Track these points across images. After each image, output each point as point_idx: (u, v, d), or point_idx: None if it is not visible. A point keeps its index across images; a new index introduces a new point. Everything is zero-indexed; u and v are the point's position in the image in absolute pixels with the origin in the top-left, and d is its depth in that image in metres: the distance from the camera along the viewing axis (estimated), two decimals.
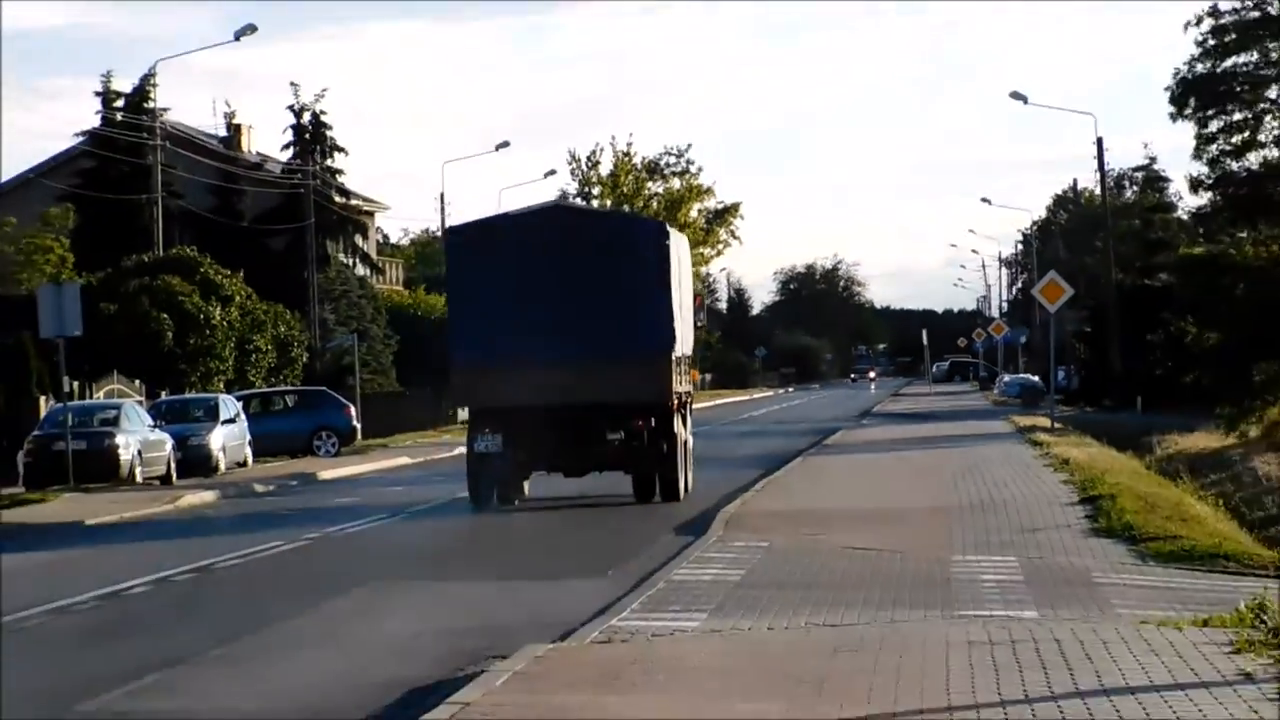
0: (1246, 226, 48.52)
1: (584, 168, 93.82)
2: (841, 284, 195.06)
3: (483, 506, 30.77)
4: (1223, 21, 44.57)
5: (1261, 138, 44.51)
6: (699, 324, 50.79)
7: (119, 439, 40.13)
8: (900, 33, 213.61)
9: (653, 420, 29.99)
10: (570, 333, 30.13)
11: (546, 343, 29.82)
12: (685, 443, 31.52)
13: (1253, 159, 44.68)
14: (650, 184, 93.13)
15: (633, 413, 30.11)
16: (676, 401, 30.93)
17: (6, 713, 11.04)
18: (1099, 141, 72.87)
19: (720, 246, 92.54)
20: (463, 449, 35.28)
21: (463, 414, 48.22)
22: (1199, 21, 44.63)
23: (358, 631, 17.99)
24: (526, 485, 32.31)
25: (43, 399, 42.65)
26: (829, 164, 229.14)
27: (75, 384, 42.00)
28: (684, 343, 32.58)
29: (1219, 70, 44.61)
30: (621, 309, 31.23)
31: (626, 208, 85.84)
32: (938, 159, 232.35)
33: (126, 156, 59.20)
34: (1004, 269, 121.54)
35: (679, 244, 34.46)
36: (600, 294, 30.84)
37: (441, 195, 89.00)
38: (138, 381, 48.63)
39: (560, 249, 31.38)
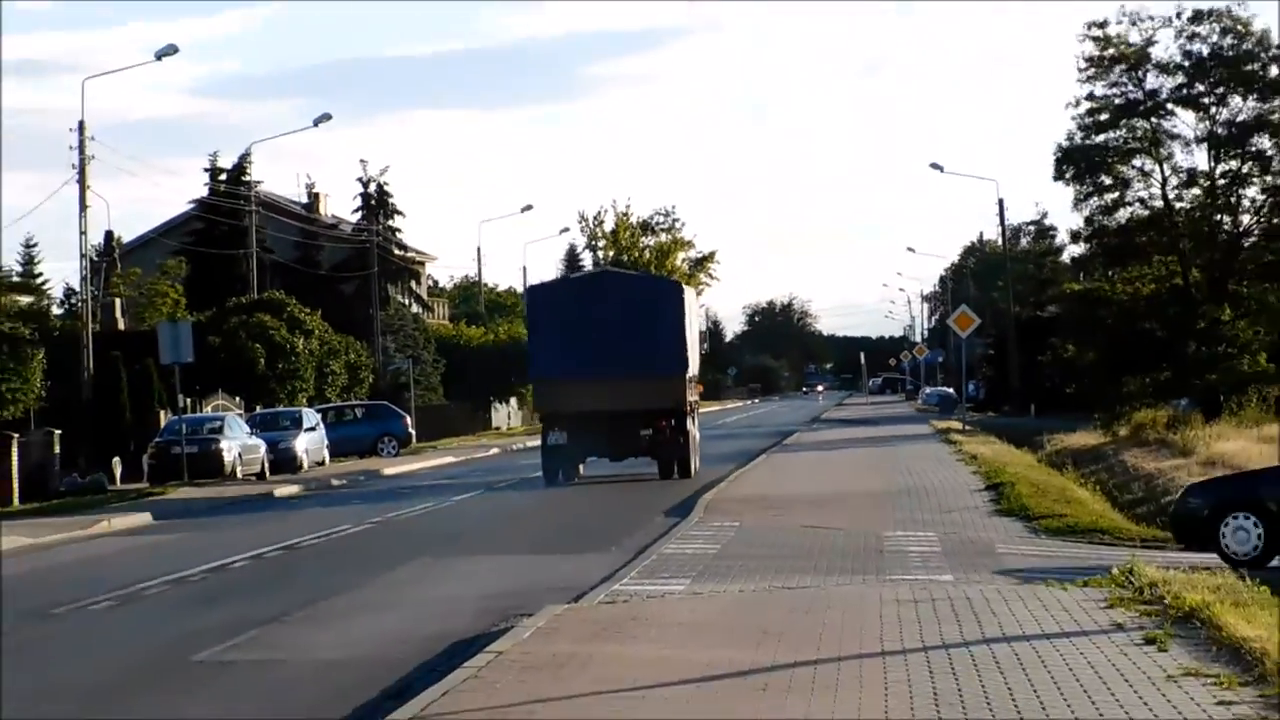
0: (1116, 268, 50.50)
1: (591, 225, 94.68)
2: (796, 316, 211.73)
3: (552, 482, 35.38)
4: (1097, 104, 43.94)
5: (1128, 198, 44.89)
6: (703, 350, 53.12)
7: (223, 444, 41.83)
8: (850, 114, 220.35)
9: (672, 421, 34.53)
10: (613, 360, 34.36)
11: (596, 368, 34.42)
12: (695, 437, 36.30)
13: (1121, 215, 48.55)
14: (644, 238, 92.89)
15: (658, 416, 34.42)
16: (689, 408, 35.89)
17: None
18: (1000, 202, 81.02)
19: (701, 287, 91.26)
20: (496, 450, 40.67)
21: (496, 419, 50.37)
22: (1078, 104, 45.70)
23: (413, 595, 18.23)
24: (582, 467, 36.86)
25: (162, 413, 45.26)
26: (787, 217, 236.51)
27: (188, 400, 44.99)
28: (694, 366, 37.69)
29: (1093, 143, 47.43)
30: (649, 343, 35.33)
31: (625, 258, 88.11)
32: (874, 214, 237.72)
33: (228, 220, 63.97)
34: (925, 303, 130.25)
35: (690, 295, 40.41)
36: (634, 332, 35.08)
37: (479, 249, 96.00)
38: (237, 398, 51.84)
39: (605, 301, 35.93)
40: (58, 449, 40.34)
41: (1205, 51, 44.79)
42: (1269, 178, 45.81)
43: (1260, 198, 46.11)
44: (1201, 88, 45.18)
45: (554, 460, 35.15)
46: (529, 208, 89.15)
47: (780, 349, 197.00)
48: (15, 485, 36.01)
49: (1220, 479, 24.18)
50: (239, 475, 41.45)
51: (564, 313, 35.73)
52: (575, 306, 35.84)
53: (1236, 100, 45.01)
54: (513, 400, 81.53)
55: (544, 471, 35.56)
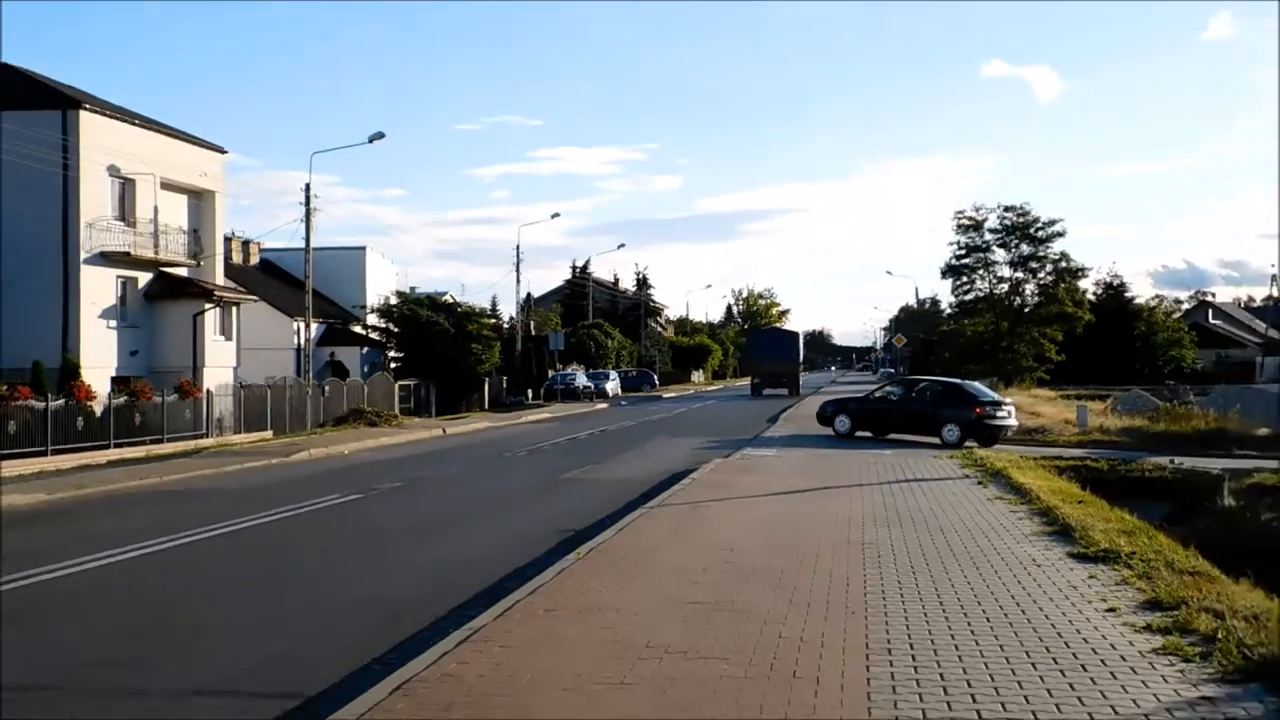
0: (965, 319, 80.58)
1: (738, 300, 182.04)
2: (825, 336, 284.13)
3: (755, 395, 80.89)
4: (961, 246, 78.38)
5: (973, 288, 79.06)
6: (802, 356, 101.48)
7: (576, 383, 77.09)
8: (851, 238, 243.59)
9: (794, 376, 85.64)
10: (777, 357, 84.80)
11: (771, 360, 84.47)
12: (800, 381, 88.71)
13: (969, 296, 79.72)
14: (762, 304, 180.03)
15: (788, 375, 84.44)
16: (799, 373, 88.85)
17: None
18: (916, 290, 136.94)
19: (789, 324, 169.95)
20: (693, 391, 74.48)
21: (694, 378, 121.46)
22: (956, 244, 78.64)
23: (656, 454, 31.67)
24: (765, 391, 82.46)
25: (550, 371, 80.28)
26: (825, 292, 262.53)
27: (560, 366, 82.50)
28: (800, 359, 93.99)
29: (959, 264, 78.27)
30: (787, 350, 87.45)
31: (753, 316, 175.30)
32: (861, 289, 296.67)
33: (580, 286, 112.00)
34: (883, 331, 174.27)
35: (799, 333, 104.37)
36: (781, 347, 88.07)
37: (686, 304, 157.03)
38: (583, 366, 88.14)
39: (772, 335, 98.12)
40: (504, 385, 71.44)
41: (1009, 223, 76.04)
42: (1034, 283, 77.73)
43: (1032, 289, 77.85)
44: (1007, 239, 76.47)
45: (756, 389, 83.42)
46: (709, 286, 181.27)
47: (818, 351, 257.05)
48: (487, 399, 66.03)
49: (834, 400, 39.82)
50: (581, 397, 74.52)
51: (759, 337, 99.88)
52: (763, 336, 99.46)
53: (1023, 246, 76.04)
54: (698, 373, 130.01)
55: (751, 391, 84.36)
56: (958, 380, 37.82)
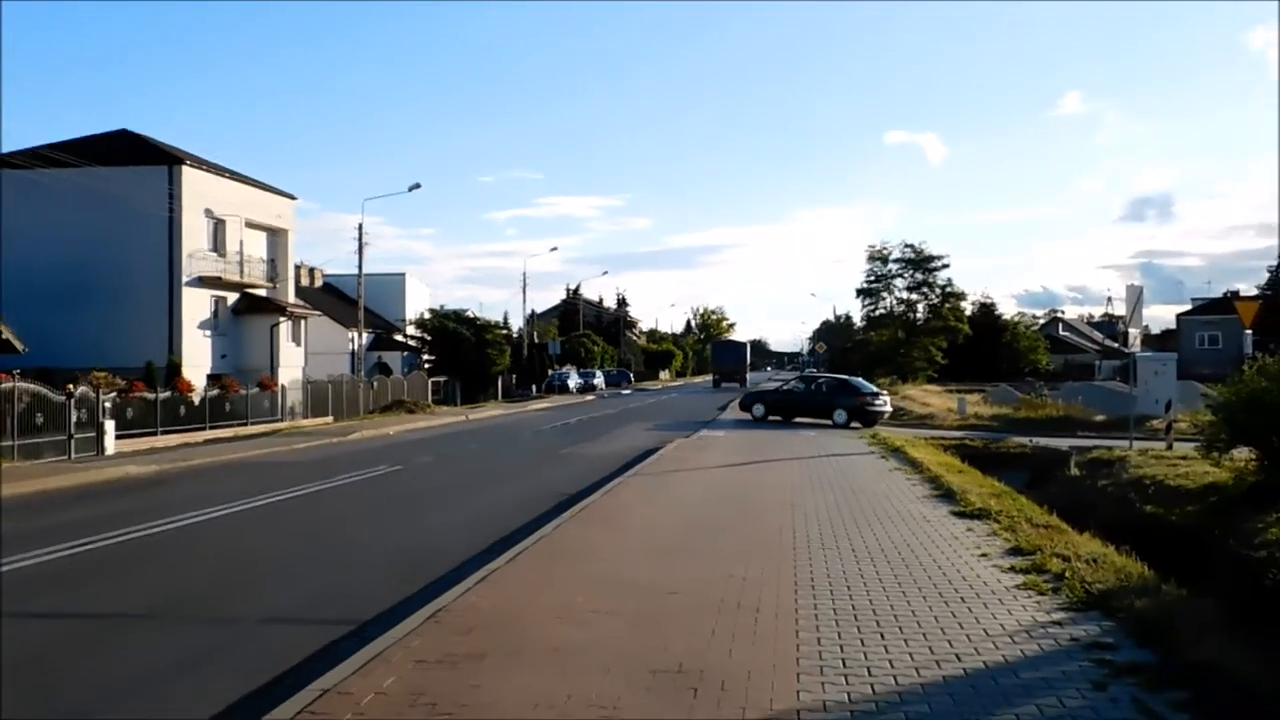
0: (873, 331, 79.64)
1: (696, 316, 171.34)
2: (760, 342, 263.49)
3: (715, 388, 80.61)
4: (869, 274, 78.21)
5: (879, 307, 78.51)
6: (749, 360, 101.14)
7: (570, 381, 74.49)
8: (762, 257, 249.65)
9: (744, 373, 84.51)
10: (731, 361, 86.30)
11: (727, 363, 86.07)
12: (748, 378, 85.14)
13: (876, 312, 78.96)
14: (715, 319, 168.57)
15: (740, 374, 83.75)
16: (747, 374, 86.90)
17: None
18: (834, 308, 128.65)
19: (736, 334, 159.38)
20: (660, 385, 68.75)
21: (663, 376, 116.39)
22: (867, 272, 78.47)
23: (630, 436, 30.51)
24: (723, 385, 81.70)
25: (549, 370, 77.36)
26: (750, 295, 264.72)
27: (557, 366, 79.66)
28: (748, 361, 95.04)
29: (868, 287, 78.37)
30: (740, 356, 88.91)
31: (708, 329, 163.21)
32: (792, 304, 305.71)
33: (573, 304, 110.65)
34: (809, 340, 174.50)
35: (747, 344, 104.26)
36: (733, 354, 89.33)
37: (656, 320, 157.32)
38: (575, 367, 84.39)
39: (728, 345, 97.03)
40: (514, 381, 68.09)
41: (908, 257, 76.15)
42: (925, 303, 77.70)
43: (923, 308, 77.68)
44: (905, 270, 76.88)
45: (716, 384, 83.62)
46: (674, 305, 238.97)
47: (758, 356, 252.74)
48: (500, 392, 62.34)
49: (754, 391, 42.46)
50: (574, 392, 71.91)
51: (718, 346, 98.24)
52: (721, 345, 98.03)
53: (918, 274, 76.34)
54: (665, 372, 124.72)
55: (713, 384, 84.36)
56: (845, 376, 38.65)
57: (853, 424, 33.14)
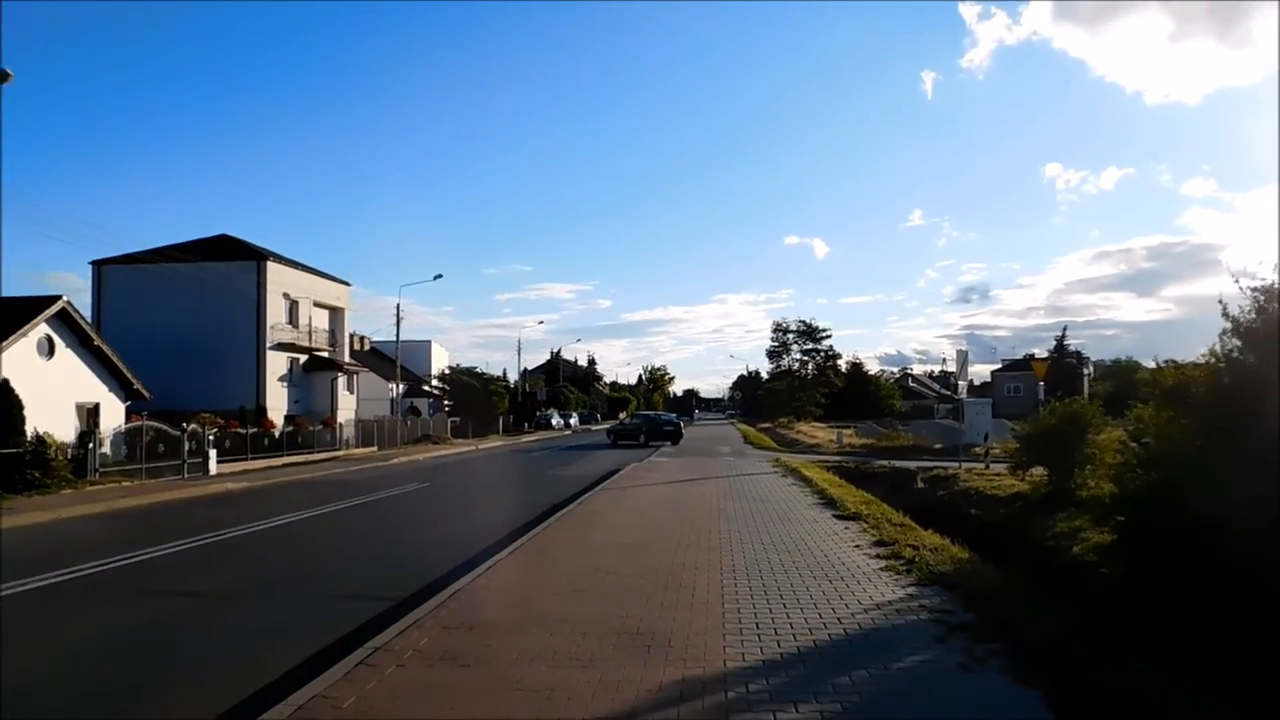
0: (776, 383, 78.36)
1: (646, 372, 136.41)
2: (693, 391, 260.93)
3: (612, 444, 43.73)
4: (774, 340, 79.69)
5: (781, 365, 78.88)
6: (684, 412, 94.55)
7: (553, 420, 69.15)
8: (693, 328, 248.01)
9: (690, 416, 57.20)
10: (680, 406, 79.18)
11: (676, 408, 66.03)
12: (683, 433, 45.11)
13: (779, 369, 79.29)
14: (660, 374, 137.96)
15: (689, 414, 66.13)
16: (693, 413, 63.65)
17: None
18: (747, 366, 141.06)
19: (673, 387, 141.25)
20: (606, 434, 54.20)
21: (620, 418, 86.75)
22: (772, 339, 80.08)
23: (598, 460, 29.07)
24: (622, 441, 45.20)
25: (537, 412, 70.07)
26: (685, 356, 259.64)
27: (544, 409, 72.49)
28: (693, 406, 77.09)
29: (772, 349, 79.77)
30: (687, 403, 76.77)
31: (654, 381, 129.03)
32: (715, 363, 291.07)
33: (554, 362, 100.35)
34: (730, 390, 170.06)
35: (691, 394, 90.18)
36: (684, 401, 74.40)
37: (617, 377, 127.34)
38: (558, 410, 77.90)
39: (680, 397, 78.40)
40: (511, 420, 61.64)
41: (801, 329, 77.80)
42: (813, 363, 77.76)
43: (812, 367, 77.68)
44: (799, 338, 77.93)
45: (616, 437, 43.16)
46: (629, 364, 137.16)
47: (690, 404, 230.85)
48: (501, 429, 57.03)
49: (617, 425, 46.46)
50: (557, 429, 66.50)
51: (671, 398, 79.52)
52: (674, 398, 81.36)
53: (808, 342, 77.56)
54: (624, 413, 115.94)
55: (609, 438, 44.62)
56: (659, 412, 43.21)
57: (666, 444, 38.04)
